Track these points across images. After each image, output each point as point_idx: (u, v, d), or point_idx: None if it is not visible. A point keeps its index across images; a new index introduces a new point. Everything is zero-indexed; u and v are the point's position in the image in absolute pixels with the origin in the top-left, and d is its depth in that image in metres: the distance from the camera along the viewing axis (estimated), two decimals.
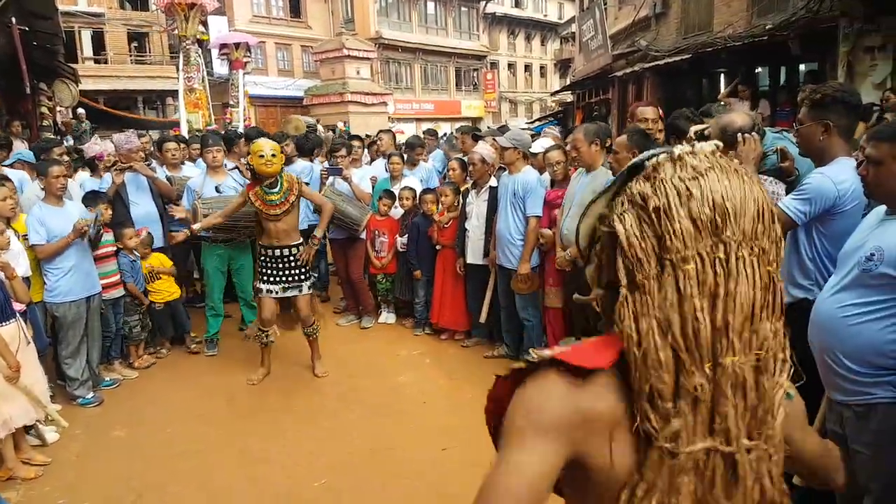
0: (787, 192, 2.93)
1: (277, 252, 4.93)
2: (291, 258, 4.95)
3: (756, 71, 11.35)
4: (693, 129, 3.51)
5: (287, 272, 4.95)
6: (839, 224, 2.60)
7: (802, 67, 10.22)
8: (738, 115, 3.25)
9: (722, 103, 6.56)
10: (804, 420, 1.20)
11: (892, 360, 2.12)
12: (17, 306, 3.87)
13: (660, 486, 0.89)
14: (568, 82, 24.86)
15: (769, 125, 5.89)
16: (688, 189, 0.91)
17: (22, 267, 4.27)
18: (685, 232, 0.89)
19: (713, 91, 11.82)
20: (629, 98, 13.33)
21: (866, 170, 2.25)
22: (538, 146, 5.50)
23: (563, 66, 41.12)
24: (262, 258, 4.97)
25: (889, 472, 2.14)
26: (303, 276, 5.00)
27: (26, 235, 4.50)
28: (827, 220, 2.64)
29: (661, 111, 4.70)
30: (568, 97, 21.52)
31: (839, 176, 2.58)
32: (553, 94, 29.59)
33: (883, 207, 2.26)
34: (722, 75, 11.78)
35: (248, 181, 6.05)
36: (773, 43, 9.04)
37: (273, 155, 4.72)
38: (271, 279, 4.95)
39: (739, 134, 2.90)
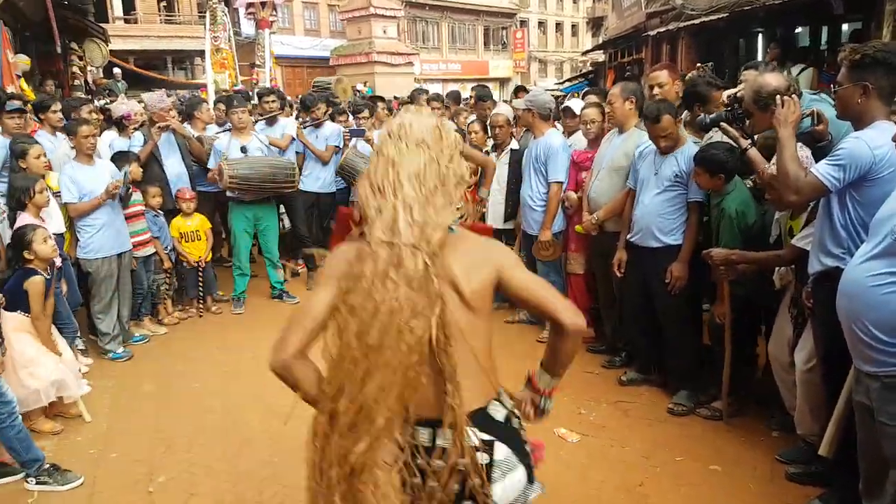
0: (817, 159, 2.83)
1: None
2: None
3: (796, 31, 10.94)
4: (726, 93, 3.40)
5: None
6: (874, 191, 2.50)
7: (845, 27, 9.82)
8: (773, 76, 3.14)
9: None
10: (509, 263, 1.67)
11: None
12: (57, 260, 4.04)
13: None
14: (600, 41, 24.26)
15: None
16: None
17: (55, 223, 4.37)
18: None
19: (750, 51, 11.44)
20: (663, 58, 12.96)
21: None
22: (576, 105, 5.34)
23: (596, 24, 40.08)
24: None
25: None
26: None
27: (58, 193, 4.60)
28: (861, 187, 2.54)
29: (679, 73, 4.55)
30: (599, 57, 20.99)
31: (876, 141, 2.48)
32: (584, 53, 28.90)
33: None
34: (760, 35, 11.38)
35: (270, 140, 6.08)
36: (814, 0, 8.67)
37: None
38: None
39: (777, 96, 2.80)
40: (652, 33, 13.39)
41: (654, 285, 3.82)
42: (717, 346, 3.61)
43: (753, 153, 3.15)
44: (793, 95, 2.82)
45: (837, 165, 2.52)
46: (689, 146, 3.76)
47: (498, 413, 1.74)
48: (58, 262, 4.14)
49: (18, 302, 3.67)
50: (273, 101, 6.37)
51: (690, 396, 3.82)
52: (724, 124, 3.22)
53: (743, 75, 3.62)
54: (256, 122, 6.34)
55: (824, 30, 10.53)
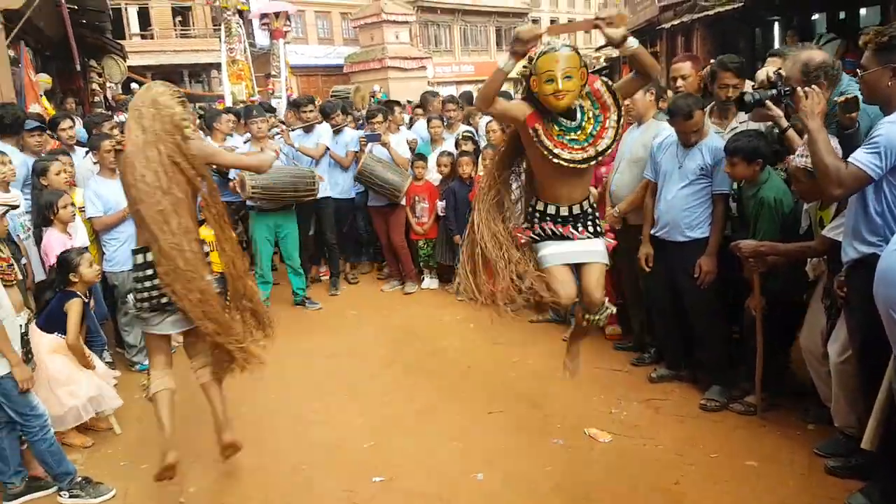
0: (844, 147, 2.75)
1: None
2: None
3: (813, 18, 10.78)
4: (763, 72, 3.32)
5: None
6: None
7: (863, 12, 9.66)
8: (815, 51, 3.08)
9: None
10: None
11: None
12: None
13: None
14: None
15: None
16: None
17: (80, 237, 4.42)
18: None
19: (766, 41, 11.29)
20: (678, 51, 12.85)
21: None
22: None
23: None
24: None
25: None
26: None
27: (82, 208, 4.66)
28: None
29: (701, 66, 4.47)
30: (613, 52, 20.89)
31: None
32: (598, 49, 28.74)
33: None
34: (776, 23, 11.23)
35: (293, 147, 6.12)
36: None
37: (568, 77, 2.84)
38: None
39: (799, 89, 2.74)
40: (666, 26, 13.28)
41: (682, 280, 3.76)
42: (750, 340, 3.54)
43: (792, 134, 3.08)
44: (814, 86, 2.74)
45: (876, 153, 2.45)
46: (713, 137, 3.70)
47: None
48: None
49: (57, 324, 3.72)
50: (311, 111, 6.42)
51: (723, 392, 3.75)
52: (769, 102, 3.15)
53: (768, 62, 3.56)
54: (294, 130, 6.39)
55: (842, 16, 10.36)
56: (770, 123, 3.45)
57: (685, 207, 3.70)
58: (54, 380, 3.57)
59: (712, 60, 4.32)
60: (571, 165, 2.91)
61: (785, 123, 3.08)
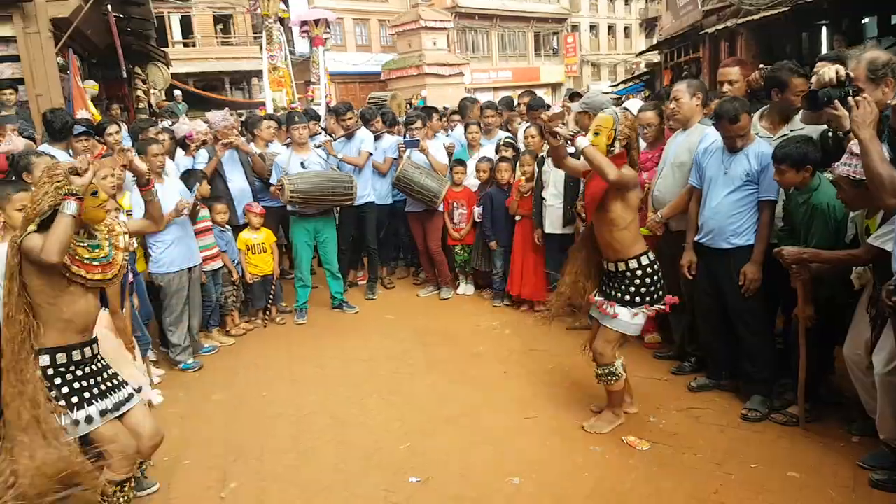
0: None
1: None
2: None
3: (863, 21, 10.51)
4: (828, 71, 3.25)
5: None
6: None
7: None
8: (879, 51, 3.03)
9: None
10: None
11: None
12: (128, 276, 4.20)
13: None
14: (654, 42, 23.86)
15: None
16: None
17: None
18: None
19: (813, 46, 11.05)
20: (721, 56, 12.65)
21: None
22: (632, 106, 5.27)
23: (649, 25, 39.48)
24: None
25: None
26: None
27: (129, 211, 4.80)
28: None
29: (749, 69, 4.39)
30: (654, 58, 20.65)
31: None
32: (638, 54, 28.46)
33: None
34: (823, 28, 10.98)
35: (337, 158, 6.23)
36: None
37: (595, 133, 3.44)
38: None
39: (850, 98, 2.69)
40: (709, 31, 13.08)
41: (726, 288, 3.70)
42: (794, 350, 3.47)
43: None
44: (864, 95, 2.69)
45: None
46: (760, 143, 3.64)
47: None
48: (129, 277, 4.32)
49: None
50: (351, 118, 6.52)
51: (764, 402, 3.68)
52: (837, 102, 3.10)
53: (817, 66, 3.48)
54: (337, 138, 6.50)
55: (894, 19, 10.08)
56: (824, 128, 3.39)
57: (730, 214, 3.66)
58: (105, 355, 3.65)
59: (761, 66, 4.25)
60: None
61: (847, 125, 3.02)
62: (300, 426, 4.01)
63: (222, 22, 28.64)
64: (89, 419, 2.65)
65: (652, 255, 3.51)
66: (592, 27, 39.90)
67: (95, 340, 2.83)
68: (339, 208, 6.20)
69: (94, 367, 2.78)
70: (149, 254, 4.88)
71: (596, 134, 3.31)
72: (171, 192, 4.90)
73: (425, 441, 3.72)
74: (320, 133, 7.09)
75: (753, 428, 3.60)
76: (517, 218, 5.82)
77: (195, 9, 27.15)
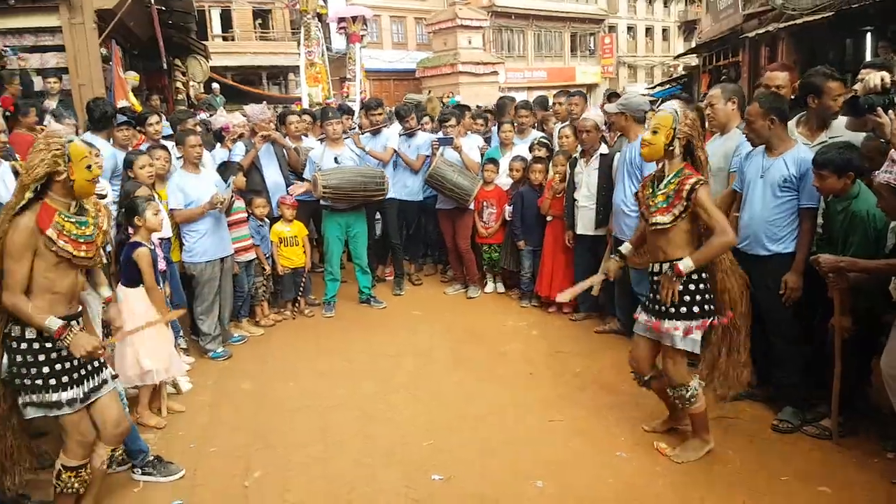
0: None
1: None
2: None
3: None
4: (872, 78, 3.17)
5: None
6: None
7: None
8: None
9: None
10: None
11: None
12: (160, 264, 4.27)
13: None
14: (693, 45, 23.53)
15: None
16: None
17: (164, 229, 4.64)
18: None
19: (857, 53, 10.77)
20: (761, 61, 12.42)
21: None
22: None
23: (688, 28, 38.93)
24: None
25: None
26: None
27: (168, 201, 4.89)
28: None
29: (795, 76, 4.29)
30: (693, 60, 20.38)
31: None
32: (676, 57, 28.10)
33: None
34: (868, 34, 10.69)
35: (363, 150, 6.26)
36: None
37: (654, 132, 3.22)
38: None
39: (882, 113, 2.62)
40: (750, 35, 12.85)
41: (762, 296, 3.61)
42: (830, 361, 3.39)
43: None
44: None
45: None
46: (800, 148, 3.55)
47: None
48: (162, 265, 4.39)
49: (133, 275, 3.91)
50: (380, 114, 6.56)
51: (796, 413, 3.60)
52: (880, 109, 3.02)
53: (862, 73, 3.39)
54: (363, 133, 6.54)
55: None
56: (866, 135, 3.31)
57: (769, 220, 3.57)
58: (134, 339, 3.74)
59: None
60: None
61: (889, 133, 2.93)
62: (325, 418, 4.04)
63: (261, 16, 28.98)
64: (59, 405, 2.70)
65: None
66: (630, 28, 39.48)
67: (81, 314, 2.87)
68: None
69: None
70: (183, 243, 4.96)
71: (654, 132, 3.16)
72: (207, 183, 4.97)
73: (449, 438, 3.72)
74: (354, 128, 7.13)
75: (785, 440, 3.52)
76: (548, 218, 5.79)
77: (235, 3, 27.54)
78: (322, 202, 5.90)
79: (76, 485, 2.80)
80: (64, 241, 2.65)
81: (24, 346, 2.67)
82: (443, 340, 5.32)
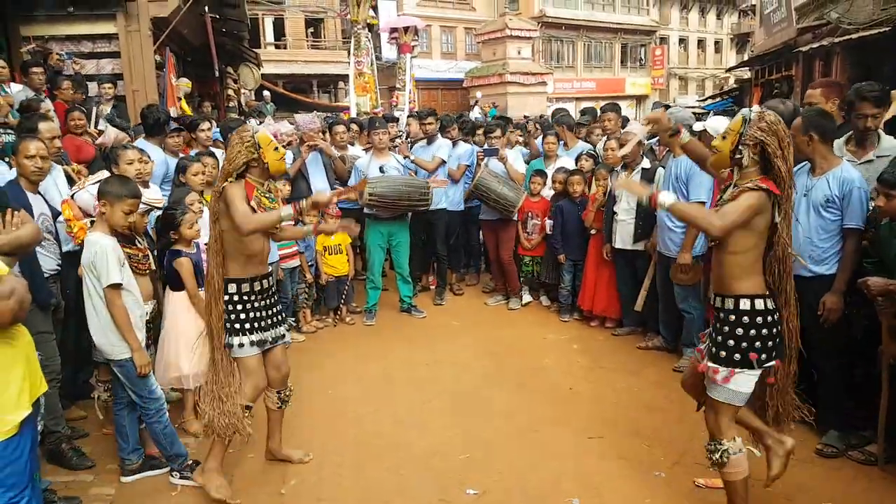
0: None
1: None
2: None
3: None
4: None
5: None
6: None
7: None
8: None
9: None
10: None
11: None
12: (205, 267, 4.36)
13: None
14: (745, 58, 23.05)
15: None
16: None
17: (206, 235, 4.74)
18: None
19: None
20: (815, 75, 12.08)
21: None
22: (714, 123, 5.02)
23: (741, 40, 38.21)
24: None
25: None
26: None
27: None
28: None
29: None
30: (745, 74, 19.95)
31: None
32: (728, 70, 27.55)
33: None
34: None
35: (408, 158, 6.31)
36: None
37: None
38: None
39: None
40: (804, 49, 12.53)
41: (805, 318, 3.51)
42: (878, 385, 3.26)
43: None
44: None
45: None
46: (844, 167, 3.44)
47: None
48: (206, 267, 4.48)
49: (176, 281, 3.99)
50: (432, 123, 6.63)
51: (842, 437, 3.48)
52: None
53: None
54: (415, 143, 6.59)
55: None
56: None
57: (812, 240, 3.48)
58: (184, 335, 3.85)
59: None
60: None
61: None
62: (362, 426, 4.07)
63: (313, 25, 29.52)
64: (242, 346, 3.25)
65: (771, 303, 2.72)
66: (682, 40, 38.88)
67: (271, 273, 3.47)
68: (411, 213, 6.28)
69: (268, 300, 3.37)
70: None
71: (723, 138, 2.74)
72: None
73: (485, 452, 3.71)
74: (400, 136, 7.19)
75: (829, 464, 3.41)
76: (592, 231, 5.73)
77: (288, 12, 28.12)
78: (365, 210, 5.97)
79: (247, 422, 3.31)
80: (261, 211, 3.17)
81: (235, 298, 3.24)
82: (482, 352, 5.31)
